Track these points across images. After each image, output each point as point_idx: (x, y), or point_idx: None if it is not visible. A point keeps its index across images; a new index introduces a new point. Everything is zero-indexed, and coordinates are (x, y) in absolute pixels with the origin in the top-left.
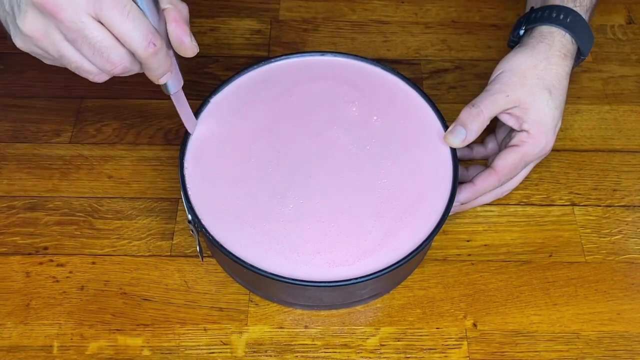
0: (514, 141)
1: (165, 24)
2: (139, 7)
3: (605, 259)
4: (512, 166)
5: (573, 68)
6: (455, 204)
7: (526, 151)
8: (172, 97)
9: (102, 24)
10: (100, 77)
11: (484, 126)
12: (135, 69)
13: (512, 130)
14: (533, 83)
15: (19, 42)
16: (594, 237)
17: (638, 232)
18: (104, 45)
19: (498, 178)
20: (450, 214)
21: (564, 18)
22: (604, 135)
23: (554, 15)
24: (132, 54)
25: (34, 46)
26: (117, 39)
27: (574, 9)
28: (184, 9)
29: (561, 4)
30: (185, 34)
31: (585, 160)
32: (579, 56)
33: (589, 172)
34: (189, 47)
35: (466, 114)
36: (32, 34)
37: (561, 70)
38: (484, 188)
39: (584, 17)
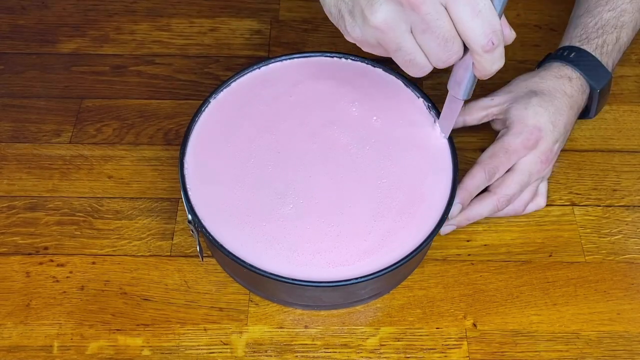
0: (497, 137)
1: None
2: (492, 3)
3: (605, 259)
4: (492, 155)
5: (594, 108)
6: (452, 208)
7: (506, 141)
8: (449, 99)
9: (447, 11)
10: (425, 71)
11: (466, 119)
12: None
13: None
14: (519, 89)
15: (358, 33)
16: (594, 237)
17: (638, 232)
18: (450, 35)
19: (483, 168)
20: (448, 231)
21: (568, 54)
22: (603, 135)
23: (559, 52)
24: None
25: (374, 38)
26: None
27: (582, 47)
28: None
29: (570, 44)
30: (506, 26)
31: (585, 160)
32: (591, 91)
33: (588, 172)
34: (509, 36)
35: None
36: (381, 26)
37: (553, 84)
38: (472, 184)
39: (594, 54)
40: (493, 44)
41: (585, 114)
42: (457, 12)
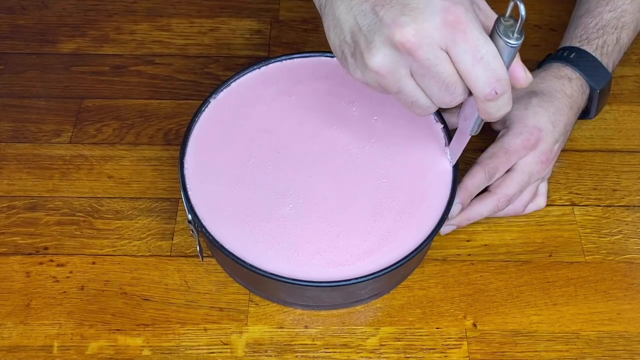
0: (497, 137)
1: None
2: (498, 48)
3: (605, 258)
4: (492, 155)
5: (594, 108)
6: (453, 208)
7: (505, 141)
8: (459, 130)
9: (449, 56)
10: (430, 112)
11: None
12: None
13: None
14: (520, 90)
15: (359, 75)
16: (594, 237)
17: (638, 232)
18: (452, 80)
19: (483, 169)
20: (448, 231)
21: (568, 55)
22: (603, 135)
23: (559, 53)
24: None
25: (375, 81)
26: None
27: (582, 47)
28: None
29: (570, 45)
30: (520, 68)
31: (585, 160)
32: (591, 92)
33: (588, 172)
34: (524, 80)
35: (451, 110)
36: (380, 70)
37: (553, 84)
38: (472, 184)
39: (594, 55)
40: (496, 93)
41: (585, 114)
42: (458, 57)
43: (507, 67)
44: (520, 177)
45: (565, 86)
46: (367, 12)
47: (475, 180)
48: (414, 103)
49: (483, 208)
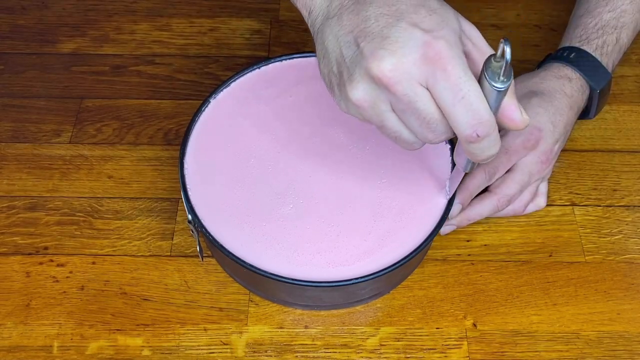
0: None
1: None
2: (482, 88)
3: (605, 259)
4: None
5: (594, 108)
6: (453, 208)
7: (506, 141)
8: (456, 167)
9: (430, 92)
10: (415, 147)
11: None
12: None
13: None
14: (519, 90)
15: (343, 106)
16: (594, 237)
17: (638, 232)
18: (433, 118)
19: (483, 169)
20: (449, 231)
21: (568, 55)
22: (603, 135)
23: (559, 53)
24: None
25: (358, 114)
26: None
27: (582, 47)
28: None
29: (570, 45)
30: (515, 109)
31: (585, 160)
32: (590, 92)
33: (588, 172)
34: (520, 122)
35: None
36: (360, 103)
37: (553, 84)
38: (472, 184)
39: (594, 55)
40: (478, 135)
41: (585, 114)
42: (438, 95)
43: (495, 109)
44: (521, 177)
45: (565, 86)
46: (351, 44)
47: (475, 180)
48: (398, 138)
49: (483, 208)
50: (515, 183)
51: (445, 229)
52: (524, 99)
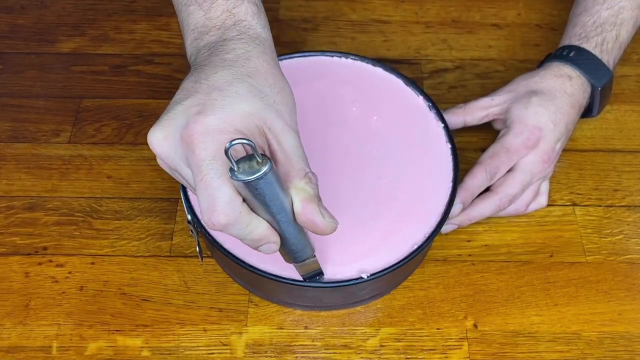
0: (498, 137)
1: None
2: (234, 178)
3: (606, 259)
4: (493, 154)
5: (596, 106)
6: (453, 208)
7: (506, 140)
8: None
9: None
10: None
11: (467, 120)
12: None
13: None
14: (519, 89)
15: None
16: (595, 237)
17: (639, 232)
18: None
19: (484, 168)
20: (449, 230)
21: (568, 53)
22: (604, 135)
23: (558, 52)
24: None
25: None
26: None
27: (581, 45)
28: (313, 188)
29: (570, 43)
30: (313, 213)
31: (586, 160)
32: (592, 90)
33: (589, 172)
34: (323, 226)
35: (453, 108)
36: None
37: (553, 83)
38: (473, 184)
39: (593, 52)
40: (213, 223)
41: (587, 112)
42: (187, 172)
43: (250, 201)
44: (522, 177)
45: (566, 85)
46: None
47: (476, 180)
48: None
49: (485, 208)
50: (517, 183)
51: (446, 228)
52: (524, 98)
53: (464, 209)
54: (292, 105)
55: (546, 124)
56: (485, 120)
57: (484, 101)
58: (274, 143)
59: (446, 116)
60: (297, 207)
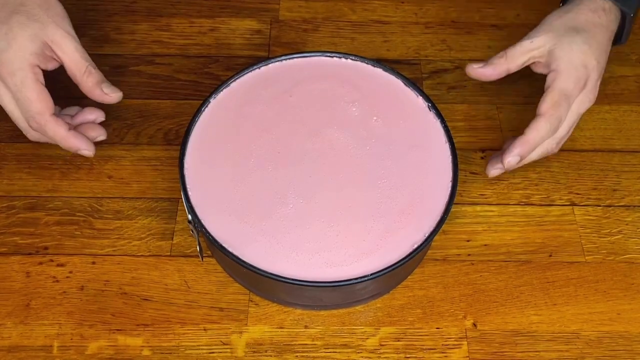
0: (546, 84)
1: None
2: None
3: (605, 259)
4: (555, 104)
5: (626, 33)
6: (510, 159)
7: (561, 87)
8: None
9: None
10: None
11: (510, 67)
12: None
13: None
14: (558, 27)
15: None
16: (594, 237)
17: (638, 232)
18: None
19: (547, 120)
20: (496, 174)
21: None
22: (603, 135)
23: None
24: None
25: None
26: None
27: None
28: (94, 76)
29: None
30: (101, 95)
31: (585, 160)
32: (623, 16)
33: (588, 172)
34: (110, 99)
35: (493, 58)
36: None
37: (590, 18)
38: (536, 138)
39: None
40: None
41: (616, 40)
42: None
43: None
44: (573, 119)
45: (602, 18)
46: None
47: (540, 133)
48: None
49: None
50: (566, 126)
51: (493, 172)
52: (566, 37)
53: (521, 161)
54: (63, 14)
55: (591, 62)
56: (526, 64)
57: (524, 45)
58: (58, 51)
59: (487, 68)
60: (91, 96)
